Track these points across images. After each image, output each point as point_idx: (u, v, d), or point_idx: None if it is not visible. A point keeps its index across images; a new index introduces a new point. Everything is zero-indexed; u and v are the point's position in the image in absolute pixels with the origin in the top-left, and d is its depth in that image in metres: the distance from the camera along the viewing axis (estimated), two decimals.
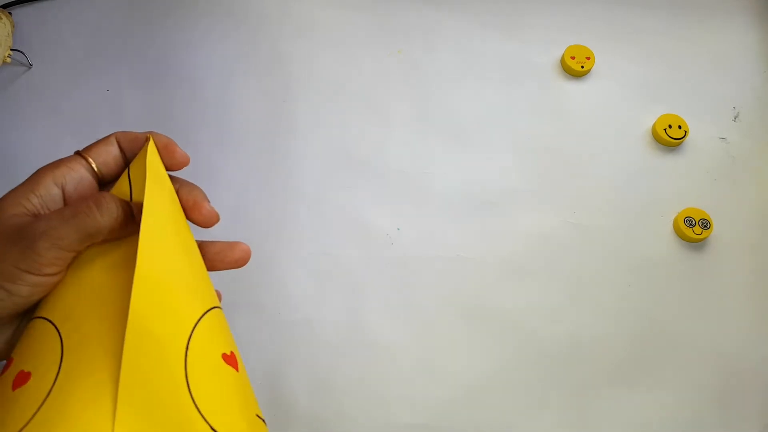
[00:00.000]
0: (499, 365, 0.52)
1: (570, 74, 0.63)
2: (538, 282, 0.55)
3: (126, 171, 0.33)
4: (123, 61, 0.64)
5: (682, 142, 0.59)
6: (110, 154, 0.35)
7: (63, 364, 0.27)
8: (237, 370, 0.30)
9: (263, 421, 0.31)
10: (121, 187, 0.33)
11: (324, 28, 0.65)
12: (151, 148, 0.34)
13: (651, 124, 0.61)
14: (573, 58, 0.62)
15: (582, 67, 0.62)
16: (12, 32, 0.62)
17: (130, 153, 0.35)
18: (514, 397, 0.51)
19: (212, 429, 0.27)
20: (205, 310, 0.30)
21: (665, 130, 0.59)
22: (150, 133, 0.35)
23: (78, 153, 0.34)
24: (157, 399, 0.26)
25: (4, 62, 0.61)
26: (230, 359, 0.29)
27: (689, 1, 0.66)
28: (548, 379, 0.52)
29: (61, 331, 0.28)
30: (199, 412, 0.27)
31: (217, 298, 0.33)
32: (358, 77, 0.63)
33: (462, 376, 0.52)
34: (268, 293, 0.54)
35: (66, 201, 0.33)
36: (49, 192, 0.32)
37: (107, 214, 0.31)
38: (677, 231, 0.56)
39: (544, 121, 0.61)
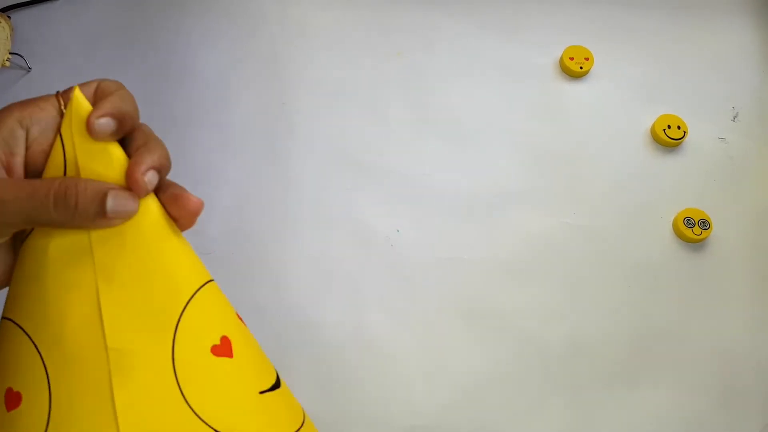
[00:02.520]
0: (500, 366, 0.52)
1: (569, 75, 0.63)
2: (538, 283, 0.55)
3: (58, 136, 0.29)
4: (121, 64, 0.64)
5: (681, 142, 0.60)
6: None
7: (51, 386, 0.26)
8: (231, 356, 0.28)
9: (274, 386, 0.30)
10: (55, 157, 0.29)
11: (323, 30, 0.65)
12: (78, 101, 0.28)
13: (650, 124, 0.61)
14: (572, 59, 0.62)
15: (581, 67, 0.62)
16: (11, 36, 0.62)
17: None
18: (514, 397, 0.51)
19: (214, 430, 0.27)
20: (188, 299, 0.28)
21: (664, 130, 0.59)
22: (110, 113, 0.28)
23: (58, 93, 0.30)
24: (157, 415, 0.26)
25: (3, 66, 0.61)
26: (221, 348, 0.28)
27: (688, 2, 0.66)
28: (549, 380, 0.52)
29: (35, 341, 0.27)
30: (199, 418, 0.27)
31: (200, 272, 0.29)
32: (357, 79, 0.63)
33: (462, 377, 0.52)
34: (267, 295, 0.54)
35: (28, 145, 0.29)
36: (13, 134, 0.28)
37: (65, 212, 0.27)
38: (677, 231, 0.56)
39: (543, 122, 0.61)
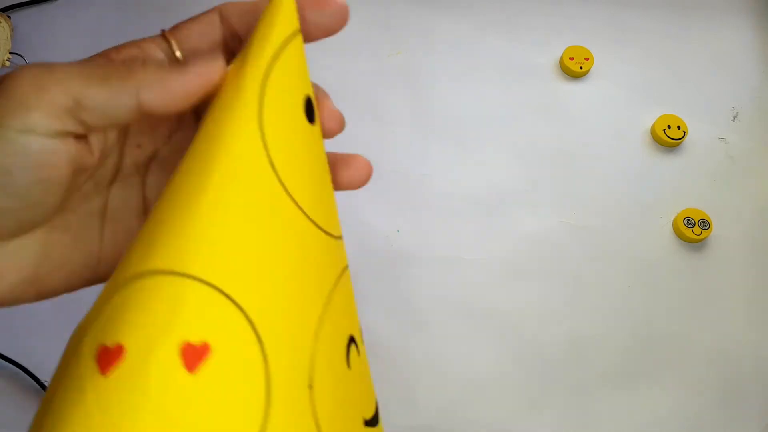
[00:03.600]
0: (499, 366, 0.52)
1: (569, 75, 0.63)
2: (538, 283, 0.55)
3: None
4: None
5: (681, 142, 0.59)
6: (205, 37, 0.25)
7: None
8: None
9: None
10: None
11: None
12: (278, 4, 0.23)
13: (650, 124, 0.61)
14: (572, 58, 0.62)
15: (581, 67, 0.62)
16: (11, 36, 0.62)
17: (242, 33, 0.25)
18: (513, 398, 0.51)
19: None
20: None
21: (664, 130, 0.59)
22: None
23: (162, 33, 0.26)
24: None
25: (3, 66, 0.61)
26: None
27: (688, 2, 0.66)
28: (548, 381, 0.52)
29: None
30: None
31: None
32: (357, 79, 0.63)
33: (462, 378, 0.52)
34: None
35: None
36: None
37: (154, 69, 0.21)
38: (677, 231, 0.56)
39: (543, 122, 0.61)
